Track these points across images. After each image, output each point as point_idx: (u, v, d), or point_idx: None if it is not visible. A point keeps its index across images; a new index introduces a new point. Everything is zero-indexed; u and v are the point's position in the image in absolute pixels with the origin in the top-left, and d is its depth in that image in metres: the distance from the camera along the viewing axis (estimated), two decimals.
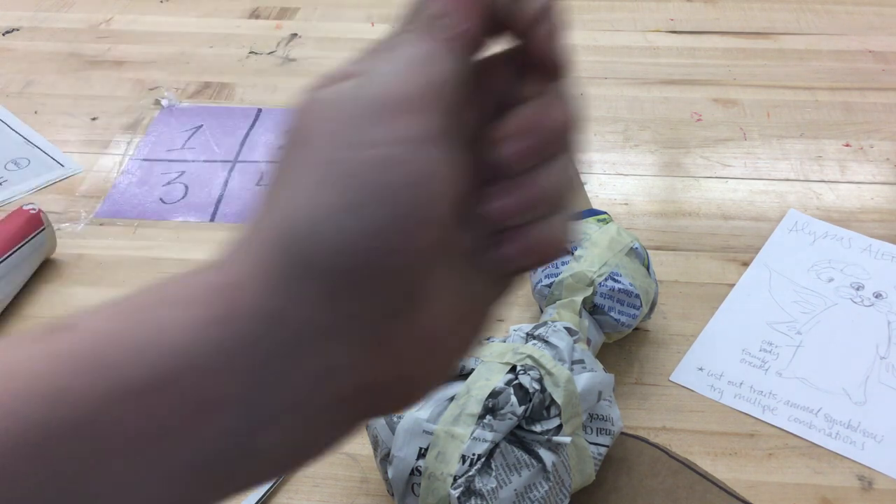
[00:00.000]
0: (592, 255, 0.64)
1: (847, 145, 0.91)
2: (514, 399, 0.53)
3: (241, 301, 0.22)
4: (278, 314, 0.22)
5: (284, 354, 0.22)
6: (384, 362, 0.24)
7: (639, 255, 0.66)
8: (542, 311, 0.65)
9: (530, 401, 0.53)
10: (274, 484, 0.59)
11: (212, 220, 0.84)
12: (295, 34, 1.13)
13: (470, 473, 0.51)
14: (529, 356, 0.55)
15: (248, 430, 0.23)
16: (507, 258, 0.26)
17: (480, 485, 0.51)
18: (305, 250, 0.22)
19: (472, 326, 0.27)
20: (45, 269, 0.78)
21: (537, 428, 0.53)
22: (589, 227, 0.67)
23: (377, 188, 0.22)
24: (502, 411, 0.52)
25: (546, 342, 0.57)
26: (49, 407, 0.21)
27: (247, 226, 0.24)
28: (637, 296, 0.64)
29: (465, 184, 0.25)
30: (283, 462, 0.25)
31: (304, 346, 0.23)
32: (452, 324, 0.25)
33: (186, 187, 0.88)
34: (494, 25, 0.25)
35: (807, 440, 0.62)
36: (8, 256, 0.73)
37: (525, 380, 0.54)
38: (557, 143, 0.26)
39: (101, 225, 0.83)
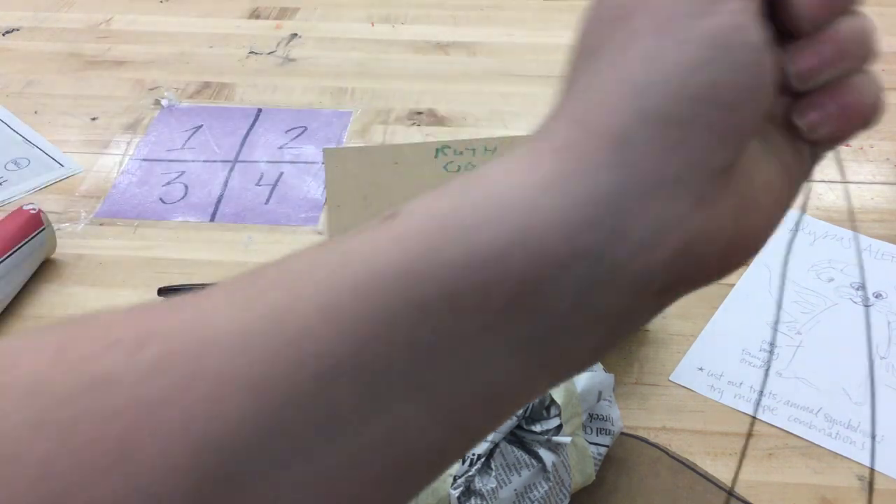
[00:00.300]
0: None
1: (847, 145, 0.91)
2: None
3: (583, 158, 0.23)
4: (627, 165, 0.23)
5: (629, 207, 0.23)
6: (707, 219, 0.24)
7: None
8: None
9: None
10: None
11: (212, 220, 0.84)
12: (295, 34, 1.13)
13: (470, 473, 0.51)
14: None
15: (589, 289, 0.23)
16: (815, 123, 0.27)
17: (480, 485, 0.51)
18: (656, 102, 0.23)
19: (783, 197, 0.27)
20: (45, 269, 0.78)
21: (537, 428, 0.53)
22: None
23: (719, 50, 0.24)
24: None
25: None
26: (400, 287, 0.21)
27: (555, 105, 0.25)
28: None
29: (778, 53, 0.26)
30: (603, 339, 0.25)
31: (646, 199, 0.23)
32: (767, 191, 0.26)
33: (186, 187, 0.88)
34: None
35: (807, 440, 0.62)
36: (8, 256, 0.73)
37: None
38: None
39: (101, 225, 0.83)
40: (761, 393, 0.65)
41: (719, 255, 0.25)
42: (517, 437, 0.53)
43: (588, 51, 0.25)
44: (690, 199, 0.23)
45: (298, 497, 0.21)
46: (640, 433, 0.62)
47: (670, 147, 0.23)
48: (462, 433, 0.24)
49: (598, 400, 0.56)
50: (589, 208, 0.22)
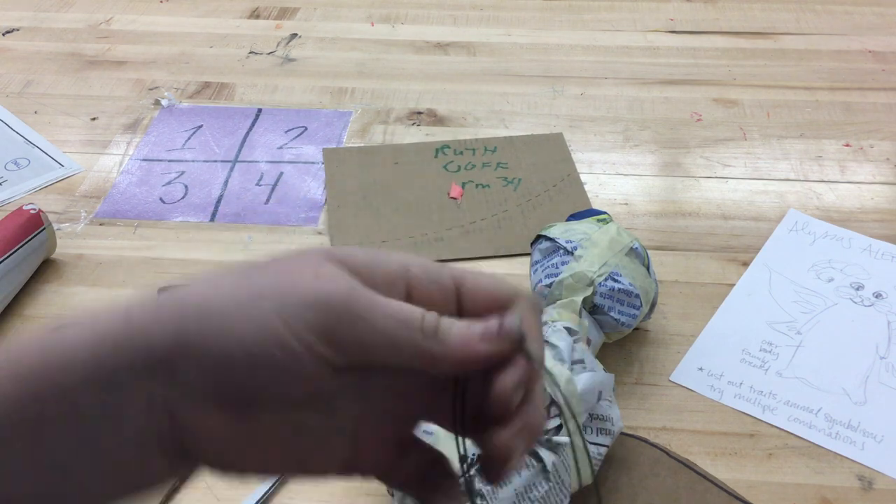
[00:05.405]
0: (592, 254, 0.64)
1: (847, 145, 0.91)
2: None
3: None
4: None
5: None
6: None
7: (639, 255, 0.66)
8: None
9: None
10: (274, 484, 0.59)
11: (212, 220, 0.84)
12: (295, 34, 1.13)
13: (470, 473, 0.51)
14: None
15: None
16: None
17: (480, 485, 0.51)
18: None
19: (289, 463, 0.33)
20: (45, 269, 0.78)
21: None
22: (589, 227, 0.67)
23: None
24: None
25: (546, 342, 0.57)
26: (20, 387, 0.29)
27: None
28: (637, 296, 0.64)
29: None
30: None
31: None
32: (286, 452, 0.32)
33: (186, 187, 0.88)
34: None
35: (807, 440, 0.62)
36: (8, 256, 0.73)
37: None
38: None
39: (101, 225, 0.83)
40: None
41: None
42: None
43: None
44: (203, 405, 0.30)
45: None
46: (640, 433, 0.62)
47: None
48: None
49: (598, 400, 0.56)
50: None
